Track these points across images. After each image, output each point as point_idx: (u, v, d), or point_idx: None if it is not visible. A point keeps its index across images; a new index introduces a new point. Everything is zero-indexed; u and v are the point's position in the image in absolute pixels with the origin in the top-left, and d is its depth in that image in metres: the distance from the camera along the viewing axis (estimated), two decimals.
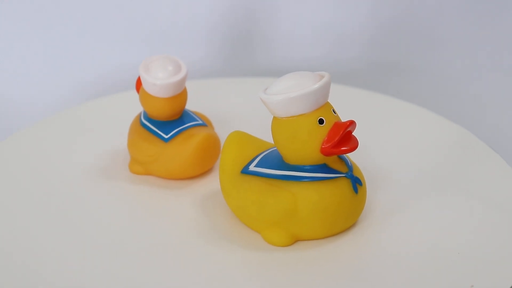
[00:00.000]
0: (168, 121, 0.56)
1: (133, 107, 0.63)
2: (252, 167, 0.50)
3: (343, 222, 0.49)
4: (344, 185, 0.48)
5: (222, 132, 0.61)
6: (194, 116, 0.58)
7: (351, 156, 0.54)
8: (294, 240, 0.49)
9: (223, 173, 0.51)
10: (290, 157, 0.48)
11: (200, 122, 0.57)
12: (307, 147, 0.47)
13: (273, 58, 0.89)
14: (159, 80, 0.54)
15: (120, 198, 0.55)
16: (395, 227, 0.50)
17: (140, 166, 0.57)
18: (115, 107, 0.69)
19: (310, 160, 0.48)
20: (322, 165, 0.48)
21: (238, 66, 0.89)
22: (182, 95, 0.56)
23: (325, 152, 0.46)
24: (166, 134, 0.55)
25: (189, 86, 0.61)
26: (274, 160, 0.50)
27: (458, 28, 0.87)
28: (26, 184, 0.56)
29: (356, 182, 0.48)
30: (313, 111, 0.46)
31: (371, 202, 0.53)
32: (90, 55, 0.88)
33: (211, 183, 0.56)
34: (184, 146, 0.54)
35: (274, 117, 0.48)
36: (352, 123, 0.46)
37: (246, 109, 0.67)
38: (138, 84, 0.57)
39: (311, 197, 0.47)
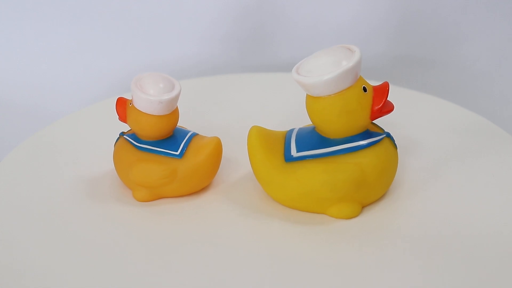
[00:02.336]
0: (164, 139, 0.54)
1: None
2: (295, 154, 0.49)
3: (393, 177, 0.51)
4: (388, 144, 0.50)
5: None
6: (182, 128, 0.56)
7: None
8: (362, 207, 0.50)
9: (266, 168, 0.50)
10: (339, 131, 0.48)
11: (193, 131, 0.55)
12: (358, 116, 0.48)
13: (294, 55, 0.88)
14: (164, 97, 0.51)
15: (145, 218, 0.52)
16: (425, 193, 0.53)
17: (147, 193, 0.54)
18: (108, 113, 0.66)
19: (359, 129, 0.48)
20: (366, 131, 0.49)
21: (260, 62, 0.89)
22: (177, 109, 0.54)
23: (374, 116, 0.48)
24: (176, 151, 0.53)
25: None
26: (312, 140, 0.50)
27: (482, 22, 0.87)
28: (22, 203, 0.54)
29: (393, 139, 0.51)
30: (356, 82, 0.47)
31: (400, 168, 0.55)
32: (88, 55, 0.87)
33: (217, 186, 0.56)
34: (201, 157, 0.53)
35: (314, 98, 0.48)
36: (388, 84, 0.48)
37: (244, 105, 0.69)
38: (121, 107, 0.54)
39: (372, 162, 0.48)
